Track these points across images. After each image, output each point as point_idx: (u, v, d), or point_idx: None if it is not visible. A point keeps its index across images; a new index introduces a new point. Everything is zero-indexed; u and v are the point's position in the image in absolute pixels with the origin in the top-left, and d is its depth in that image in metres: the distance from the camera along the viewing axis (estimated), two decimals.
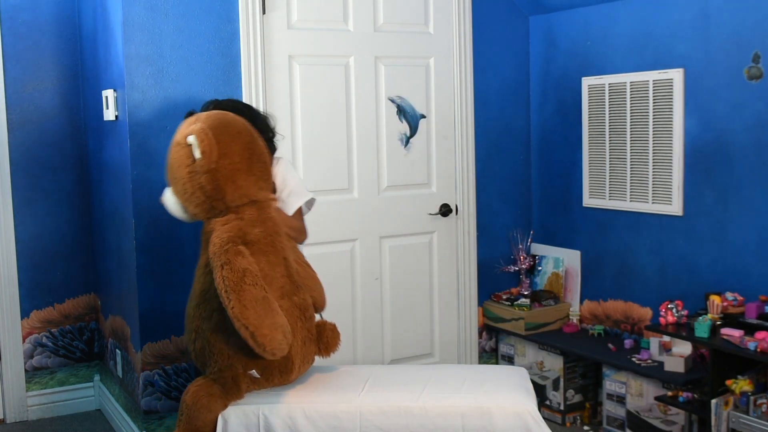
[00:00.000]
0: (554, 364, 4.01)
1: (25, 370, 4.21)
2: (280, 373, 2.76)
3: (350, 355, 4.02)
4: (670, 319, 3.38)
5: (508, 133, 4.44)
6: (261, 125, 3.03)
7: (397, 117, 4.09)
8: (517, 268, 4.39)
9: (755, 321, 3.20)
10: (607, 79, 4.00)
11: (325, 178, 3.91)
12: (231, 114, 2.81)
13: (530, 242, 4.50)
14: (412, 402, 2.71)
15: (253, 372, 2.73)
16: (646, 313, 3.93)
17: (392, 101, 4.07)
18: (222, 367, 2.71)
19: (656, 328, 3.41)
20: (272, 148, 3.09)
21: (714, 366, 3.15)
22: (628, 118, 3.90)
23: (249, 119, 3.00)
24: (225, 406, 2.72)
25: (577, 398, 4.03)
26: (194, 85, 3.58)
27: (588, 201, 4.18)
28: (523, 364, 4.17)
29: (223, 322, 2.64)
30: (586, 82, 4.11)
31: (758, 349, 2.99)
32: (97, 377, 4.38)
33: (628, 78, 3.88)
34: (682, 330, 3.32)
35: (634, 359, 3.71)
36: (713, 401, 3.12)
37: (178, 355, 3.63)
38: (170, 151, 2.72)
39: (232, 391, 2.71)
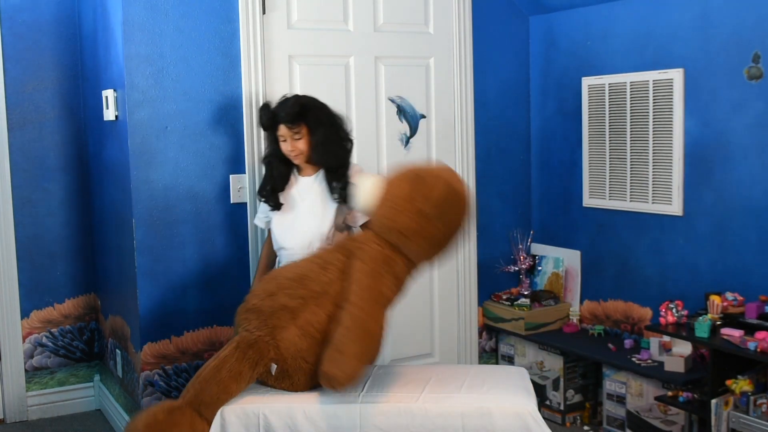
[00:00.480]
0: (554, 364, 4.01)
1: (25, 370, 4.21)
2: (291, 384, 2.78)
3: None
4: (670, 319, 3.38)
5: (508, 133, 4.44)
6: (339, 129, 3.18)
7: (397, 117, 4.09)
8: (517, 268, 4.39)
9: (755, 321, 3.20)
10: (607, 79, 3.99)
11: None
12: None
13: (530, 242, 4.50)
14: (412, 402, 2.71)
15: (273, 366, 2.73)
16: (646, 313, 3.93)
17: (392, 101, 4.07)
18: (262, 341, 2.73)
19: (656, 328, 3.41)
20: (349, 157, 3.23)
21: (714, 366, 3.15)
22: (628, 118, 3.90)
23: (328, 119, 3.13)
24: (237, 392, 2.72)
25: (577, 398, 4.03)
26: (194, 85, 3.58)
27: (588, 201, 4.18)
28: (523, 364, 4.17)
29: (300, 312, 2.72)
30: (586, 82, 4.11)
31: (758, 349, 2.99)
32: (97, 377, 4.38)
33: (628, 78, 3.88)
34: (682, 330, 3.32)
35: (634, 359, 3.71)
36: (713, 401, 3.11)
37: (178, 355, 3.63)
38: (423, 172, 2.78)
39: (253, 368, 2.72)
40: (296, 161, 3.20)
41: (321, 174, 3.23)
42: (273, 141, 3.23)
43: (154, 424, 2.65)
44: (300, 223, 3.21)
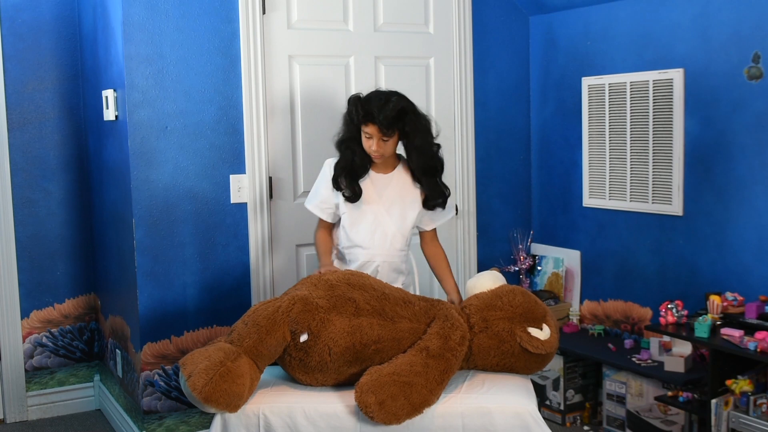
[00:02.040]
0: (554, 364, 4.01)
1: (25, 370, 4.22)
2: (303, 369, 2.75)
3: None
4: (670, 319, 3.38)
5: (508, 133, 4.44)
6: (431, 134, 3.13)
7: None
8: (517, 268, 4.39)
9: (755, 321, 3.20)
10: (607, 79, 4.00)
11: None
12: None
13: (530, 242, 4.50)
14: None
15: (305, 335, 2.69)
16: (646, 313, 3.93)
17: None
18: (317, 308, 2.72)
19: (656, 328, 3.41)
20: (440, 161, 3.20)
21: (714, 366, 3.15)
22: (628, 118, 3.90)
23: (424, 124, 3.09)
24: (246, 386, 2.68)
25: (577, 398, 4.03)
26: (194, 85, 3.58)
27: (588, 201, 4.18)
28: None
29: (362, 316, 2.73)
30: (586, 82, 4.11)
31: (758, 349, 2.99)
32: (97, 377, 4.38)
33: (628, 78, 3.88)
34: (682, 330, 3.32)
35: (634, 359, 3.71)
36: (713, 401, 3.12)
37: (178, 355, 3.63)
38: (547, 315, 2.92)
39: (290, 326, 2.70)
40: (376, 160, 3.10)
41: (399, 173, 3.17)
42: (355, 129, 3.06)
43: (226, 374, 2.56)
44: (381, 222, 3.13)
